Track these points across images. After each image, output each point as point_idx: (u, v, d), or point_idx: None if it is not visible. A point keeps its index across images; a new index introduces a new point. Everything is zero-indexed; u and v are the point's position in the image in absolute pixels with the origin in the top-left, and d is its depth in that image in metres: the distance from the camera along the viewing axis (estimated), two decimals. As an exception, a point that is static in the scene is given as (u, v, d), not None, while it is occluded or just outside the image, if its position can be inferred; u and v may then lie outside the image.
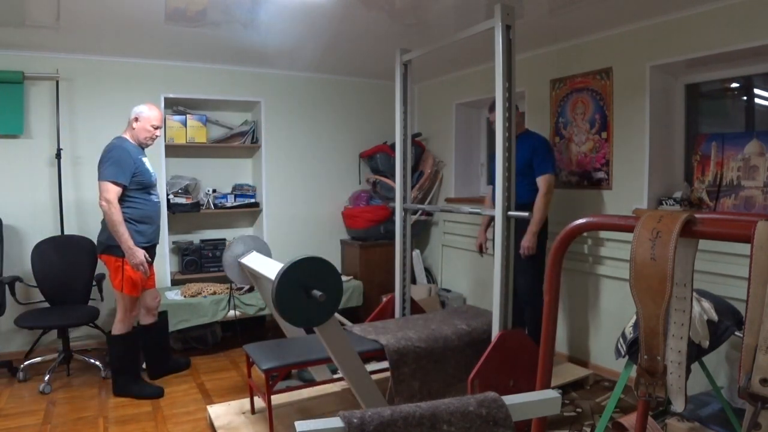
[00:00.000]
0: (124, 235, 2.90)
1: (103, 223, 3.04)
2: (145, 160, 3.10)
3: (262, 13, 3.02)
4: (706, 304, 1.91)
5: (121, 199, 2.95)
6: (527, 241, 3.10)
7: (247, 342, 2.88)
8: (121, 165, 2.92)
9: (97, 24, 3.16)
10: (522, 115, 3.45)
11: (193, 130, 4.24)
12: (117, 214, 2.88)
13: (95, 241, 3.67)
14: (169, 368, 3.44)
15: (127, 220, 2.96)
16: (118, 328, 3.07)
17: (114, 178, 2.90)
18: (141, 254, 2.95)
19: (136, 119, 3.07)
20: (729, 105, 3.16)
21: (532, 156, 3.15)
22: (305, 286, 2.05)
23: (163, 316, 3.47)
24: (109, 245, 3.00)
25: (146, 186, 3.06)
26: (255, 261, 2.78)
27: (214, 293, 3.94)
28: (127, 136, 3.08)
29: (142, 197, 3.04)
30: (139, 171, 3.00)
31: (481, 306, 3.44)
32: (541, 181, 3.11)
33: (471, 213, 3.02)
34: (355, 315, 4.36)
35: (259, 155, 4.57)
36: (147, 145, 3.15)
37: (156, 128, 3.11)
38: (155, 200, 3.14)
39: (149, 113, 3.07)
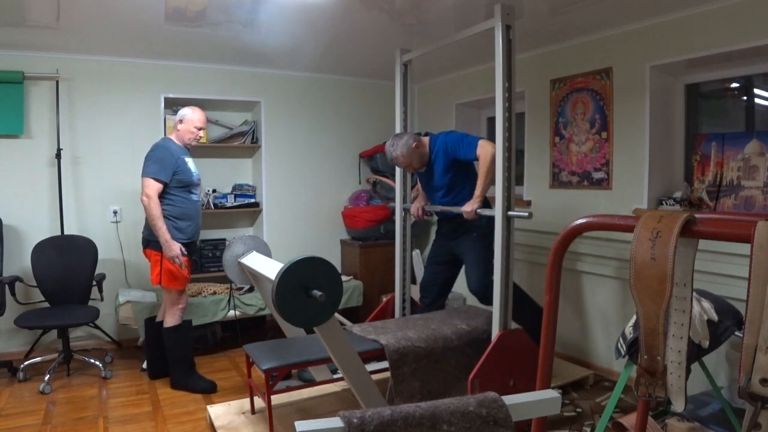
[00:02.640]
0: (162, 228, 3.01)
1: (147, 219, 3.14)
2: (188, 160, 3.21)
3: (262, 13, 3.02)
4: (706, 304, 1.91)
5: (162, 197, 3.08)
6: (470, 206, 2.80)
7: (247, 342, 2.88)
8: (162, 163, 3.06)
9: (97, 24, 3.16)
10: (420, 143, 3.03)
11: (193, 130, 4.24)
12: (156, 208, 3.01)
13: (95, 241, 3.71)
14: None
15: (167, 217, 3.08)
16: (168, 321, 3.20)
17: (155, 175, 3.03)
18: (177, 247, 3.06)
19: (181, 121, 3.22)
20: (729, 105, 3.16)
21: (451, 153, 2.93)
22: (305, 286, 2.05)
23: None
24: (150, 240, 3.12)
25: (187, 185, 3.17)
26: (255, 261, 2.78)
27: (214, 293, 3.94)
28: (172, 137, 3.25)
29: (182, 195, 3.16)
30: (181, 170, 3.12)
31: (481, 306, 3.43)
32: (479, 152, 2.80)
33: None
34: (355, 315, 4.36)
35: (259, 155, 4.57)
36: (191, 146, 3.30)
37: (199, 129, 3.25)
38: (195, 199, 3.25)
39: (192, 116, 3.22)
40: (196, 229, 3.27)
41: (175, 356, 3.23)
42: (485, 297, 2.95)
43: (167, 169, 3.06)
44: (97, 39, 3.48)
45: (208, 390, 3.20)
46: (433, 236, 4.96)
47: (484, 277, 2.94)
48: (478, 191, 2.84)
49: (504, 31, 2.50)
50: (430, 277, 3.33)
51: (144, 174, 3.05)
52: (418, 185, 4.46)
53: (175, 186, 3.11)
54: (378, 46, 3.72)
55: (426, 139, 3.12)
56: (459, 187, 3.02)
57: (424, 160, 3.07)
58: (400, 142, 3.01)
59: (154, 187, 3.02)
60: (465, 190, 2.98)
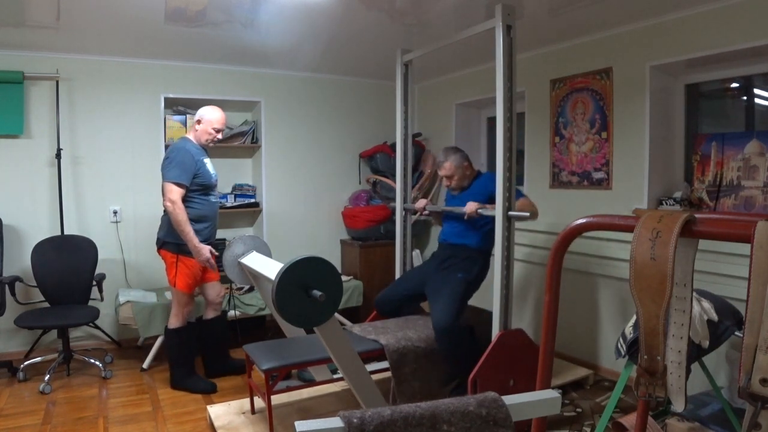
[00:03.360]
0: (189, 233, 2.96)
1: (162, 219, 3.12)
2: (206, 161, 3.16)
3: (262, 13, 3.02)
4: (706, 304, 1.91)
5: (182, 199, 3.02)
6: (474, 203, 2.77)
7: (247, 342, 2.88)
8: (183, 167, 3.00)
9: (97, 24, 3.16)
10: (469, 166, 3.09)
11: (193, 130, 4.24)
12: (182, 213, 2.95)
13: (95, 241, 3.71)
14: (227, 368, 3.43)
15: None
16: (172, 323, 3.17)
17: (177, 179, 2.97)
18: (206, 251, 3.03)
19: (199, 122, 3.15)
20: (729, 105, 3.16)
21: (492, 188, 2.73)
22: (305, 286, 2.05)
23: (223, 313, 3.48)
24: (166, 241, 3.08)
25: (206, 187, 3.12)
26: (255, 261, 2.78)
27: (214, 293, 3.94)
28: (190, 136, 3.18)
29: (201, 198, 3.11)
30: (200, 172, 3.07)
31: (481, 306, 3.43)
32: (523, 201, 2.82)
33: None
34: (355, 315, 4.36)
35: (259, 155, 4.57)
36: (209, 147, 3.22)
37: (217, 131, 3.17)
38: (213, 201, 3.21)
39: (211, 116, 3.14)
40: (212, 231, 3.23)
41: (176, 359, 3.22)
42: (447, 340, 2.73)
43: (188, 173, 3.00)
44: (97, 39, 3.48)
45: (208, 390, 3.19)
46: (432, 236, 4.98)
47: (454, 317, 2.76)
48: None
49: (504, 31, 2.50)
50: (385, 297, 3.21)
51: (166, 179, 2.98)
52: (419, 185, 4.48)
53: (194, 189, 3.06)
54: (378, 46, 3.72)
55: (476, 170, 3.14)
56: (479, 224, 2.94)
57: (463, 184, 3.06)
58: (456, 154, 3.03)
59: (177, 192, 2.95)
60: (481, 229, 2.93)
